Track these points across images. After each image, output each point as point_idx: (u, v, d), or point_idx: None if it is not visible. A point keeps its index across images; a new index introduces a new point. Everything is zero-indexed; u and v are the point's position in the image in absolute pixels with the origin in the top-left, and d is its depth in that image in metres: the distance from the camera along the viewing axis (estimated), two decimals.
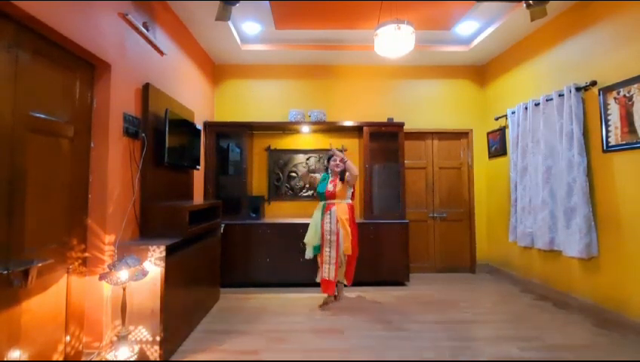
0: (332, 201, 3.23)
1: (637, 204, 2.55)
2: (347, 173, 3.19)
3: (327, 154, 3.50)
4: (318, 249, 3.19)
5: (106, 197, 2.12)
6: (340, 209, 3.19)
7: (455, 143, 4.67)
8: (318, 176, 3.47)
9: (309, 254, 3.28)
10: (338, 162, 3.27)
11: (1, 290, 1.49)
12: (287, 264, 3.78)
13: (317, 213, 3.26)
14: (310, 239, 3.22)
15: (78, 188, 2.03)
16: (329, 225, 3.14)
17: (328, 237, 3.12)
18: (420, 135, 4.61)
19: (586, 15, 3.00)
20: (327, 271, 3.11)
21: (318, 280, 3.25)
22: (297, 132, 4.49)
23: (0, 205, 1.50)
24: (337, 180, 3.26)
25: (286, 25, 3.76)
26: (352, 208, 3.28)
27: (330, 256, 3.11)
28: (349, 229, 3.16)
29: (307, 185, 3.48)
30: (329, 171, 3.39)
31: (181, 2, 3.07)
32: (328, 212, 3.18)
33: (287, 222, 3.90)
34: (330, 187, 3.24)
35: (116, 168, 2.22)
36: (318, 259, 3.24)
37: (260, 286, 3.81)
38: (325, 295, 3.27)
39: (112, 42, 2.20)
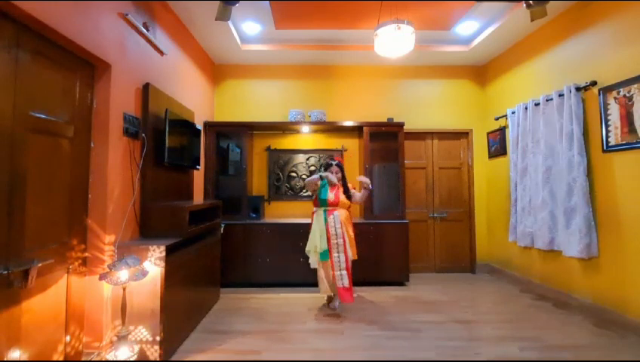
0: (334, 208, 3.14)
1: (637, 204, 2.55)
2: (354, 197, 3.22)
3: (326, 162, 3.38)
4: (327, 255, 3.02)
5: (106, 197, 2.12)
6: (342, 213, 3.14)
7: (455, 143, 4.67)
8: (315, 177, 3.20)
9: (315, 263, 3.12)
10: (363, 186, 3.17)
11: (1, 290, 1.49)
12: (287, 264, 3.78)
13: (319, 218, 3.11)
14: (316, 245, 3.05)
15: (78, 188, 2.03)
16: (334, 229, 3.03)
17: (335, 241, 3.01)
18: (420, 135, 4.61)
19: (586, 15, 3.00)
20: (341, 278, 2.96)
21: (324, 293, 3.15)
22: (297, 132, 4.49)
23: (0, 205, 1.50)
24: (339, 191, 3.18)
25: (286, 25, 3.76)
26: (350, 213, 3.29)
27: (340, 261, 2.99)
28: (352, 234, 3.14)
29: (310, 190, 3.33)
30: (326, 178, 3.20)
31: (181, 2, 3.07)
32: (331, 216, 3.08)
33: (287, 222, 3.90)
34: (331, 196, 3.13)
35: (116, 168, 2.22)
36: (320, 273, 3.11)
37: (259, 286, 3.81)
38: (325, 296, 3.27)
39: (112, 42, 2.20)
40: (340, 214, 3.10)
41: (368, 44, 3.95)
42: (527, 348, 2.37)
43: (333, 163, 3.28)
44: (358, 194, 3.25)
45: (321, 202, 3.16)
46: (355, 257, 3.15)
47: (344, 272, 2.98)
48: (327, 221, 3.07)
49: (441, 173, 4.63)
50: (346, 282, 2.97)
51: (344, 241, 3.03)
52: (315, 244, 3.06)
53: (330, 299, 3.26)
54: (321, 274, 3.11)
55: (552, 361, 2.22)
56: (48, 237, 1.79)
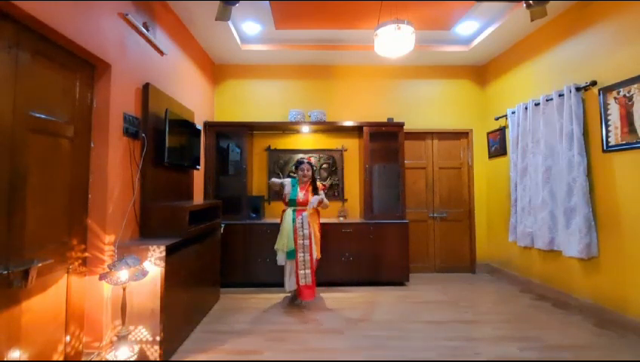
0: (303, 208, 3.26)
1: (637, 204, 2.55)
2: (322, 202, 3.28)
3: (298, 160, 3.52)
4: (294, 254, 3.15)
5: (106, 197, 2.12)
6: (310, 214, 3.25)
7: (455, 143, 4.67)
8: (285, 181, 3.42)
9: (282, 261, 3.24)
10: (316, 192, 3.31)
11: (1, 290, 1.49)
12: None
13: (288, 219, 3.23)
14: (284, 245, 3.18)
15: (78, 188, 2.03)
16: (302, 230, 3.16)
17: (301, 241, 3.15)
18: (420, 135, 4.61)
19: (586, 15, 3.00)
20: (305, 276, 3.12)
21: (288, 289, 3.26)
22: (297, 132, 4.49)
23: (0, 205, 1.50)
24: (308, 189, 3.32)
25: (286, 25, 3.76)
26: (319, 213, 3.41)
27: (305, 261, 3.13)
28: (318, 235, 3.28)
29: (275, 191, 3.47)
30: (297, 177, 3.41)
31: (181, 2, 3.07)
32: (300, 217, 3.20)
33: None
34: (301, 195, 3.27)
35: (116, 168, 2.22)
36: (286, 269, 3.25)
37: (260, 286, 3.81)
38: (289, 295, 3.43)
39: (112, 42, 2.20)
40: (307, 215, 3.21)
41: (368, 44, 3.95)
42: (527, 348, 2.37)
43: (305, 161, 3.40)
44: (325, 199, 3.31)
45: (290, 202, 3.29)
46: (319, 256, 3.28)
47: (308, 271, 3.12)
48: (295, 221, 3.19)
49: (441, 173, 4.63)
50: (309, 280, 3.12)
51: (310, 242, 3.16)
52: (283, 243, 3.19)
53: (295, 297, 3.36)
54: (287, 271, 3.25)
55: (552, 361, 2.22)
56: (48, 237, 1.79)
